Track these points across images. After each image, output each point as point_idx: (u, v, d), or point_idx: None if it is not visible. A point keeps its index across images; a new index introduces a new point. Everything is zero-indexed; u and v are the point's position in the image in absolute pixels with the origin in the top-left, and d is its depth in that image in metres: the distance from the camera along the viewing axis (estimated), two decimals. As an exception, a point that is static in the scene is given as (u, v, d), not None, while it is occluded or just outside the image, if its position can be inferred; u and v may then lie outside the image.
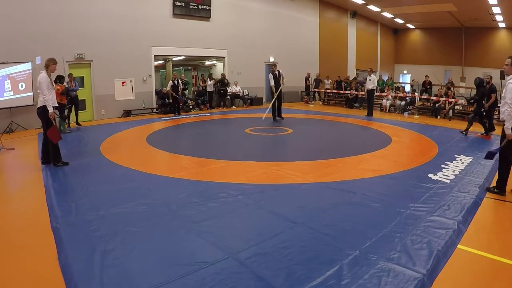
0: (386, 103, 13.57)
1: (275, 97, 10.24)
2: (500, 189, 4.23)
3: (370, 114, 11.90)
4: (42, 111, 5.27)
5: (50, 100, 5.21)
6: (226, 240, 3.02)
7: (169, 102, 12.26)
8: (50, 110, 5.22)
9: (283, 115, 10.71)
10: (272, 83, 10.29)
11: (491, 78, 9.07)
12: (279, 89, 10.24)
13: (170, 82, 12.04)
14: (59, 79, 8.96)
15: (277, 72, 10.39)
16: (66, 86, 9.08)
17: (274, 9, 16.13)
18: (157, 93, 12.64)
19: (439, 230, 3.17)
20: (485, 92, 8.59)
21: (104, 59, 10.83)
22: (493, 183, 4.45)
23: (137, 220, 3.39)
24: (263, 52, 15.85)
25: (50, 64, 5.34)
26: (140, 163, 5.61)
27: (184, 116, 11.68)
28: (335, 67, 19.19)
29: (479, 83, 8.60)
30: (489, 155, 4.71)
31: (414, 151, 7.02)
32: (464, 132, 8.61)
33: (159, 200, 3.95)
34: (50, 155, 5.42)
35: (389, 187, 4.55)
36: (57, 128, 5.40)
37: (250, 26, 15.09)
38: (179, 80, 12.23)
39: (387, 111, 13.46)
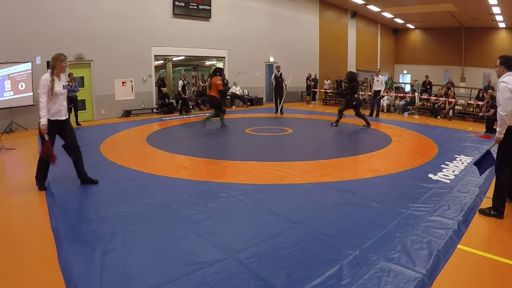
0: (382, 103, 13.58)
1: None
2: (497, 210, 3.55)
3: (372, 114, 11.81)
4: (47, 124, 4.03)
5: (44, 108, 3.97)
6: (226, 240, 3.02)
7: (169, 102, 12.23)
8: (42, 121, 3.98)
9: (284, 114, 11.89)
10: (271, 80, 12.36)
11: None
12: (279, 88, 11.98)
13: (181, 82, 12.10)
14: (219, 71, 8.90)
15: (279, 74, 11.89)
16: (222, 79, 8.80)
17: (274, 9, 16.12)
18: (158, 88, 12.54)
19: (439, 230, 3.17)
20: (357, 87, 8.78)
21: (104, 59, 10.82)
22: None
23: (137, 220, 3.39)
24: (263, 52, 15.84)
25: (55, 64, 4.06)
26: (140, 163, 5.60)
27: (184, 116, 11.68)
28: (335, 67, 19.18)
29: (350, 77, 8.82)
30: (481, 163, 3.92)
31: (414, 151, 7.02)
32: (334, 124, 8.87)
33: (159, 200, 3.95)
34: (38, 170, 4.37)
35: (389, 187, 4.55)
36: (50, 145, 4.13)
37: (250, 26, 15.09)
38: (187, 80, 12.36)
39: (385, 110, 13.46)
